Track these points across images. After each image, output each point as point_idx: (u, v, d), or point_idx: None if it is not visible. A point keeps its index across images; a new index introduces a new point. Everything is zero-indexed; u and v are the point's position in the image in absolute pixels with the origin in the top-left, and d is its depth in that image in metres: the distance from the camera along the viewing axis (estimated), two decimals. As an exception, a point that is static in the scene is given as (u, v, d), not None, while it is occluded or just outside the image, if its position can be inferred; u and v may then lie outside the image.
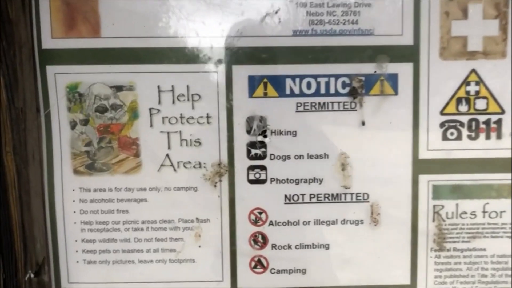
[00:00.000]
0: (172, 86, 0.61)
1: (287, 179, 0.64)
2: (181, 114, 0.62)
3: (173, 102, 0.62)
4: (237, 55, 0.61)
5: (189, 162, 0.63)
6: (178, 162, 0.63)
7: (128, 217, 0.63)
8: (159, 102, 0.62)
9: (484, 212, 0.66)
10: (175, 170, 0.63)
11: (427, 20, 0.62)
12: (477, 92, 0.64)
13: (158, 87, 0.61)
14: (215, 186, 0.63)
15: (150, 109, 0.62)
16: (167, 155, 0.63)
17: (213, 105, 0.62)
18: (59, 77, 0.61)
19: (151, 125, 0.62)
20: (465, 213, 0.66)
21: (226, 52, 0.61)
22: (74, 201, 0.63)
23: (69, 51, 0.61)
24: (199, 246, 0.64)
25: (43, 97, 0.61)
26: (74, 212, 0.63)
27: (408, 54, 0.63)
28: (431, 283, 0.67)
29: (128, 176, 0.63)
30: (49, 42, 0.60)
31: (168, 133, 0.62)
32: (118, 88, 0.61)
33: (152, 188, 0.63)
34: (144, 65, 0.61)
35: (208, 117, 0.62)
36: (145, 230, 0.64)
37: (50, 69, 0.61)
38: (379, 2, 0.62)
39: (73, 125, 0.62)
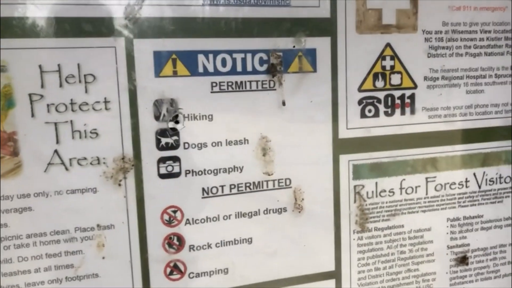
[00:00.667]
0: (58, 65, 0.51)
1: (204, 170, 0.58)
2: (71, 100, 0.52)
3: (61, 85, 0.51)
4: (139, 27, 0.53)
5: (85, 158, 0.53)
6: (70, 159, 0.52)
7: (7, 232, 0.52)
8: (42, 86, 0.51)
9: (401, 188, 0.66)
10: (67, 169, 0.52)
11: None
12: (392, 67, 0.63)
13: (40, 67, 0.50)
14: (119, 184, 0.54)
15: (30, 95, 0.50)
16: (56, 151, 0.52)
17: (112, 87, 0.53)
18: None
19: (32, 115, 0.51)
20: (384, 191, 0.66)
21: (126, 23, 0.52)
22: None
23: None
24: (103, 258, 0.55)
25: None
26: None
27: (326, 27, 0.60)
28: (354, 266, 0.66)
29: (5, 180, 0.50)
30: None
31: (55, 124, 0.52)
32: (-17, 69, 0.48)
33: (38, 193, 0.52)
34: (20, 39, 0.50)
35: (106, 102, 0.53)
36: (32, 245, 0.53)
37: None
38: (294, -31, 0.57)
39: None
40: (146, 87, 0.55)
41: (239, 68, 0.58)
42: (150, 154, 0.56)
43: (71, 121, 0.53)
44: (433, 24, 0.65)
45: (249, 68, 0.58)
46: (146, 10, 0.53)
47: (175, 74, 0.56)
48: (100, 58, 0.53)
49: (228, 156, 0.59)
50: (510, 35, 0.68)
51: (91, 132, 0.54)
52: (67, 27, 0.51)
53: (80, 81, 0.53)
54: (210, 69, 0.57)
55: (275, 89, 0.60)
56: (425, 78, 0.66)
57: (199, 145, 0.58)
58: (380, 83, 0.64)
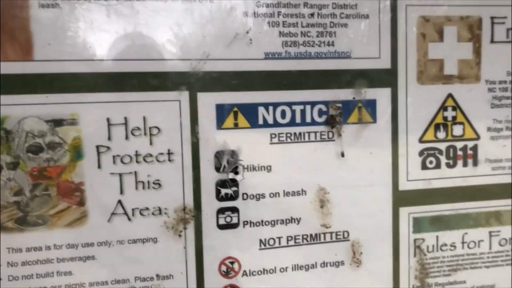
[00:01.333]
0: (125, 118, 0.52)
1: (262, 221, 0.57)
2: (136, 152, 0.53)
3: (127, 138, 0.53)
4: (203, 81, 0.54)
5: (147, 209, 0.54)
6: (133, 210, 0.53)
7: (71, 280, 0.53)
8: (109, 138, 0.52)
9: (463, 242, 0.64)
10: (129, 219, 0.54)
11: (404, 42, 0.59)
12: (454, 118, 0.62)
13: (108, 119, 0.52)
14: (179, 235, 0.55)
15: (97, 146, 0.52)
16: (119, 201, 0.53)
17: (176, 139, 0.54)
18: (-22, 110, 0.49)
19: (99, 166, 0.52)
20: (445, 245, 0.64)
21: (190, 77, 0.53)
22: (0, 266, 0.51)
23: (-10, 78, 0.49)
24: (161, 307, 0.55)
25: (-45, 137, 0.49)
26: (1, 279, 0.51)
27: (386, 78, 0.60)
28: (414, 322, 0.63)
29: (70, 229, 0.52)
30: (-37, 66, 0.48)
31: (120, 174, 0.53)
32: (57, 123, 0.51)
33: (101, 242, 0.53)
34: (90, 93, 0.51)
35: (169, 153, 0.54)
36: (94, 294, 0.53)
37: (-36, 100, 0.49)
38: (355, 21, 0.58)
39: (-3, 170, 0.50)
40: (208, 139, 0.56)
41: (298, 120, 0.58)
42: (210, 204, 0.57)
43: (135, 172, 0.54)
44: (497, 74, 0.64)
45: (308, 120, 0.59)
46: (209, 65, 0.55)
47: (236, 126, 0.57)
48: (165, 111, 0.54)
49: (285, 207, 0.59)
50: None
51: (154, 183, 0.55)
52: (135, 82, 0.53)
53: (145, 134, 0.54)
54: (270, 121, 0.58)
55: (334, 140, 0.60)
56: (489, 129, 0.64)
57: (258, 196, 0.58)
58: (441, 134, 0.63)
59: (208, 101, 0.55)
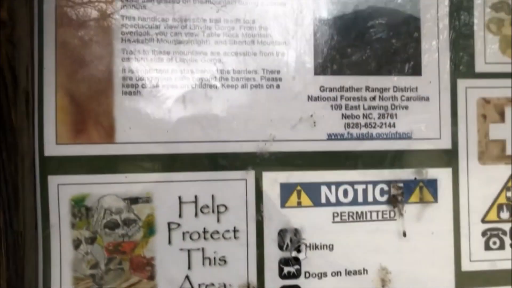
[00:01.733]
0: (195, 196, 0.55)
1: (324, 300, 0.58)
2: (204, 229, 0.55)
3: (196, 215, 0.55)
4: (268, 161, 0.57)
5: (213, 284, 0.56)
6: (199, 285, 0.56)
7: None
8: (180, 215, 0.55)
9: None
10: (195, 293, 0.55)
11: (465, 124, 0.60)
12: (518, 198, 0.61)
13: (179, 198, 0.54)
14: (240, 312, 0.56)
15: (169, 223, 0.55)
16: (187, 276, 0.55)
17: (242, 217, 0.56)
18: (63, 189, 0.53)
19: (169, 242, 0.55)
20: (512, 329, 0.61)
21: (256, 158, 0.56)
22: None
23: (76, 159, 0.53)
24: None
25: (42, 213, 0.53)
26: None
27: (447, 158, 0.60)
28: None
29: (139, 303, 0.54)
30: (53, 148, 0.53)
31: (188, 250, 0.55)
32: (133, 201, 0.54)
33: (167, 316, 0.55)
34: (164, 173, 0.55)
35: (235, 231, 0.56)
36: None
37: (53, 180, 0.53)
38: (416, 104, 0.59)
39: (76, 244, 0.54)
40: (272, 217, 0.58)
41: (360, 199, 0.60)
42: (273, 282, 0.58)
43: (203, 248, 0.57)
44: (561, 154, 0.63)
45: (370, 199, 0.60)
46: (275, 146, 0.58)
47: (299, 205, 0.58)
48: (232, 190, 0.57)
49: (347, 286, 0.59)
50: None
51: (219, 260, 0.57)
52: (206, 162, 0.56)
53: (213, 211, 0.57)
54: (332, 199, 0.59)
55: (395, 220, 0.60)
56: (554, 210, 0.63)
57: (319, 275, 0.59)
58: (505, 215, 0.62)
59: (272, 180, 0.58)
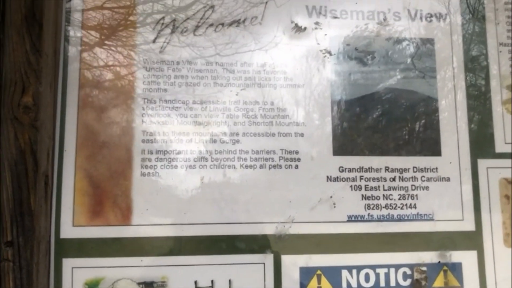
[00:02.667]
0: (212, 281, 0.53)
1: None
2: (221, 314, 0.53)
3: (212, 301, 0.53)
4: (287, 244, 0.56)
5: None
6: None
7: None
8: (196, 301, 0.53)
9: None
10: None
11: (488, 205, 0.59)
12: (547, 283, 0.58)
13: (195, 282, 0.53)
14: None
15: (184, 307, 0.52)
16: None
17: (259, 302, 0.54)
18: (77, 272, 0.52)
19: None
20: None
21: (275, 240, 0.55)
22: None
23: (92, 242, 0.52)
24: None
25: (55, 298, 0.51)
26: None
27: (471, 241, 0.58)
28: None
29: None
30: (69, 230, 0.52)
31: (204, 338, 0.52)
32: (148, 285, 0.53)
33: None
34: (180, 257, 0.53)
35: (253, 317, 0.53)
36: None
37: (67, 263, 0.52)
38: (437, 184, 0.58)
39: (88, 332, 0.51)
40: (292, 303, 0.55)
41: (382, 283, 0.57)
42: None
43: (219, 336, 0.54)
44: None
45: (393, 283, 0.57)
46: (294, 228, 0.56)
47: (319, 289, 0.56)
48: (250, 274, 0.55)
49: None
50: None
51: None
52: (223, 245, 0.55)
53: (229, 296, 0.55)
54: (354, 284, 0.57)
55: (419, 306, 0.57)
56: None
57: None
58: (534, 300, 0.59)
59: (292, 263, 0.56)
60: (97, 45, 0.56)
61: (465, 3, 0.63)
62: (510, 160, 0.61)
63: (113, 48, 0.56)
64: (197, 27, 0.58)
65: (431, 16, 0.63)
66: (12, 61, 0.50)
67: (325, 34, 0.60)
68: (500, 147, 0.62)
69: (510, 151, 0.62)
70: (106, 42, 0.56)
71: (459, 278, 0.59)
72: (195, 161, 0.56)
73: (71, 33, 0.56)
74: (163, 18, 0.57)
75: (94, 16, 0.56)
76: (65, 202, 0.53)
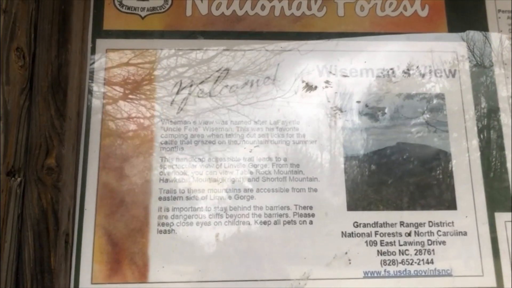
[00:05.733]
0: None
1: None
2: None
3: None
4: (302, 301, 0.54)
5: None
6: None
7: None
8: None
9: None
10: None
11: (508, 259, 0.57)
12: None
13: None
14: None
15: None
16: None
17: None
18: (95, 330, 0.52)
19: None
20: None
21: (291, 299, 0.54)
22: None
23: (109, 300, 0.52)
24: None
25: None
26: None
27: (493, 300, 0.56)
28: None
29: None
30: (87, 288, 0.52)
31: None
32: None
33: None
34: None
35: None
36: None
37: (84, 322, 0.52)
38: (453, 239, 0.57)
39: None
40: None
41: None
42: None
43: None
44: None
45: None
46: (309, 285, 0.56)
47: None
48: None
49: None
50: None
51: None
52: (238, 302, 0.55)
53: None
54: None
55: None
56: None
57: None
58: None
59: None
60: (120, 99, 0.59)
61: (473, 57, 0.64)
62: (528, 213, 0.60)
63: (135, 102, 0.59)
64: (213, 89, 0.60)
65: (441, 72, 0.64)
66: (38, 125, 0.52)
67: (336, 92, 0.62)
68: (517, 200, 0.60)
69: (527, 204, 0.60)
70: (130, 96, 0.59)
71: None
72: (210, 218, 0.56)
73: (95, 88, 0.59)
74: (181, 81, 0.60)
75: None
76: (84, 260, 0.54)
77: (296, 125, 0.61)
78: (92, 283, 0.54)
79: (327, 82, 0.62)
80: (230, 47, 0.62)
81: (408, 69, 0.64)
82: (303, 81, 0.62)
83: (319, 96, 0.62)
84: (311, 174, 0.59)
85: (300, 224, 0.57)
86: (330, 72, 0.62)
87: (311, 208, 0.58)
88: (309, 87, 0.62)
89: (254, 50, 0.62)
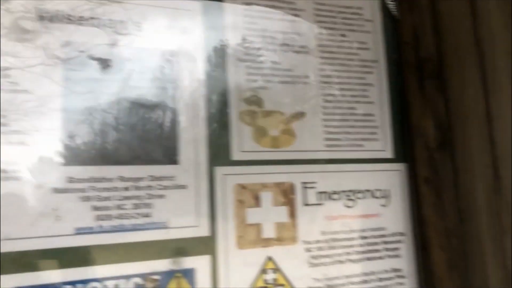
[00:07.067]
0: None
1: None
2: None
3: None
4: (-1, 263, 0.50)
5: None
6: None
7: None
8: None
9: None
10: None
11: (222, 210, 0.61)
12: (275, 280, 0.63)
13: None
14: None
15: None
16: None
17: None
18: None
19: None
20: None
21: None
22: None
23: None
24: None
25: None
26: None
27: (206, 246, 0.60)
28: None
29: None
30: None
31: None
32: None
33: None
34: None
35: None
36: None
37: None
38: (173, 193, 0.59)
39: None
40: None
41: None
42: None
43: None
44: (312, 235, 0.67)
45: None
46: (8, 245, 0.51)
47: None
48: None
49: None
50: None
51: None
52: None
53: None
54: (79, 299, 0.54)
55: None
56: (309, 288, 0.66)
57: None
58: (264, 298, 0.63)
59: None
60: None
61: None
62: (244, 167, 0.64)
63: None
64: None
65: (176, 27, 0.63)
66: None
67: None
68: (236, 155, 0.64)
69: (245, 159, 0.65)
70: None
71: (192, 282, 0.59)
72: None
73: None
74: None
75: None
76: None
77: (10, 72, 0.54)
78: None
79: (46, 27, 0.56)
80: None
81: (140, 23, 0.61)
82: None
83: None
84: (20, 126, 0.54)
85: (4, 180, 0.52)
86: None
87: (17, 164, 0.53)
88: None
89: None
